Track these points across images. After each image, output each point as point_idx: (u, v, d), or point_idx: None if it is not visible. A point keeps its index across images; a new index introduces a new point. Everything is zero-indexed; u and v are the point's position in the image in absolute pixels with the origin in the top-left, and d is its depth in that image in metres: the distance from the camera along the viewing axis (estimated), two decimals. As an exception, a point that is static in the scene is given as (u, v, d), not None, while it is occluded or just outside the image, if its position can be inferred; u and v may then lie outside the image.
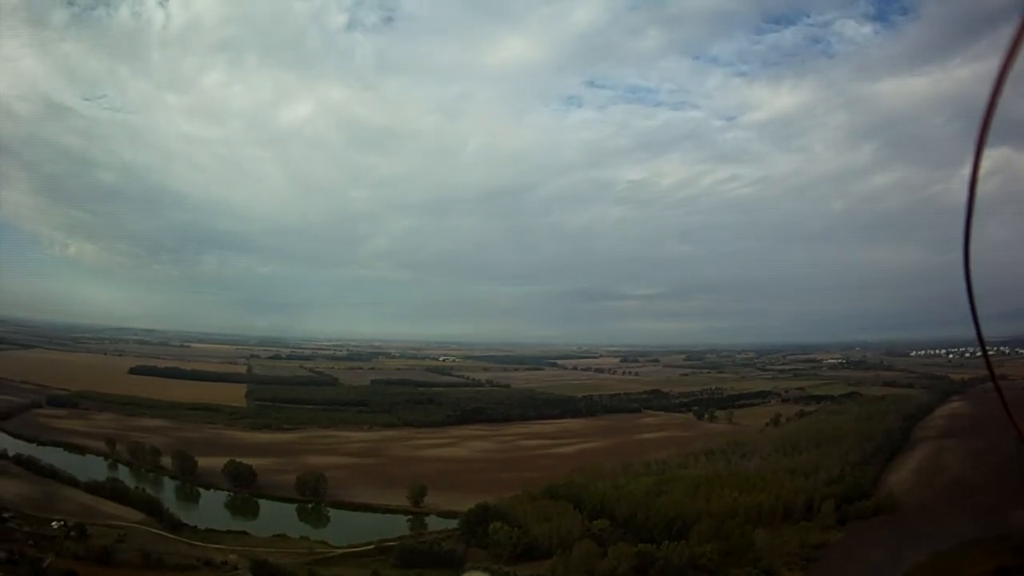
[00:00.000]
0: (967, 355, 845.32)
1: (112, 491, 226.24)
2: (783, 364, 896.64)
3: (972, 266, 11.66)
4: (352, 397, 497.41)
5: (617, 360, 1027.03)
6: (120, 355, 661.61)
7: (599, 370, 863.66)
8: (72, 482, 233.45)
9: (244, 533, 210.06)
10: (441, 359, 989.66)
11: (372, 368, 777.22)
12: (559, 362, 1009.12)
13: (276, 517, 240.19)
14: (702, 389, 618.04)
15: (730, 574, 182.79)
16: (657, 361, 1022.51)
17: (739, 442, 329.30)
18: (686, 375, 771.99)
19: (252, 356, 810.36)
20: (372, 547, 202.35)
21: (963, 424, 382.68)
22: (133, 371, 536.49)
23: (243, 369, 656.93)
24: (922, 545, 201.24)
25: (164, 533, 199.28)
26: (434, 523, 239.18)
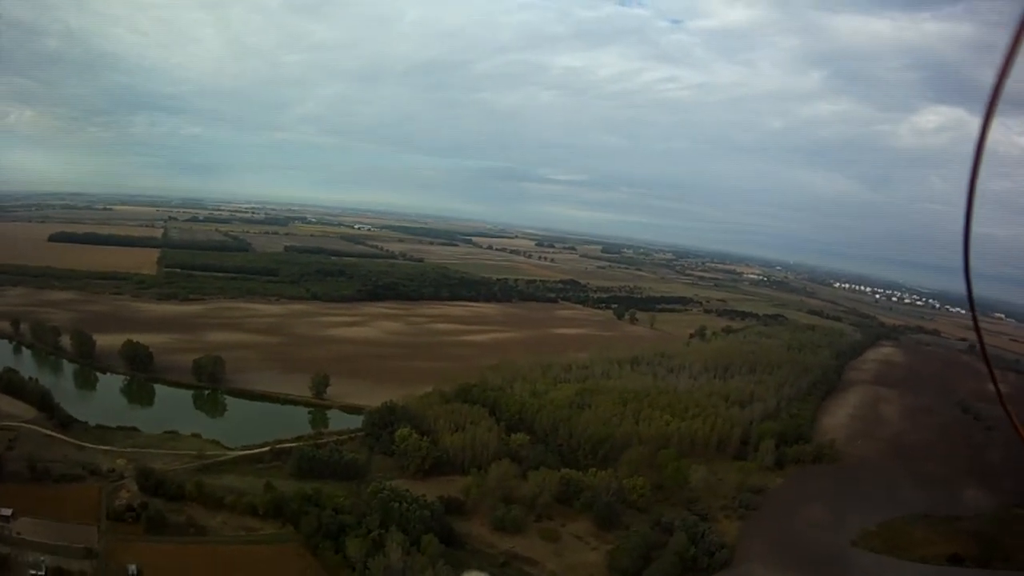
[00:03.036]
0: (894, 299, 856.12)
1: (8, 384, 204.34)
2: (702, 271, 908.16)
3: (972, 270, 10.74)
4: (263, 265, 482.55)
5: (532, 243, 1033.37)
6: (43, 222, 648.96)
7: (514, 251, 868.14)
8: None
9: (134, 429, 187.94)
10: (356, 227, 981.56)
11: (288, 233, 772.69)
12: (474, 239, 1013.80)
13: (171, 405, 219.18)
14: (620, 286, 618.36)
15: (664, 514, 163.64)
16: (573, 249, 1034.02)
17: (666, 353, 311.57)
18: (603, 268, 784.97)
19: (171, 218, 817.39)
20: (267, 449, 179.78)
21: (898, 374, 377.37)
22: (52, 239, 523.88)
23: (159, 232, 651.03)
24: (867, 509, 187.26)
25: (54, 434, 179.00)
26: (336, 418, 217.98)
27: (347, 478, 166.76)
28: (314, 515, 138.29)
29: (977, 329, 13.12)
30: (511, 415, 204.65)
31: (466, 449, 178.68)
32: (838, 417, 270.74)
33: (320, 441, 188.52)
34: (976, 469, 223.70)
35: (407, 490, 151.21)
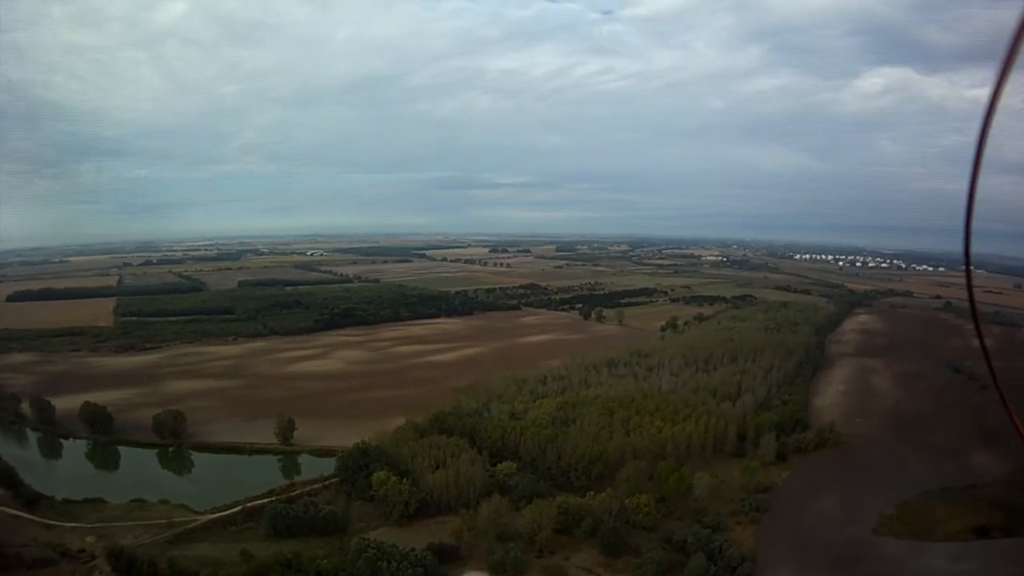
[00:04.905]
0: (859, 264, 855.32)
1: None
2: (660, 259, 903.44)
3: (972, 268, 10.88)
4: (218, 304, 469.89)
5: (486, 250, 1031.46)
6: (2, 281, 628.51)
7: (469, 261, 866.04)
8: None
9: (101, 501, 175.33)
10: (309, 253, 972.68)
11: (241, 268, 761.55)
12: (427, 253, 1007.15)
13: (136, 467, 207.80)
14: (581, 284, 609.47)
15: (673, 531, 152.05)
16: (528, 251, 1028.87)
17: (641, 351, 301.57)
18: (560, 268, 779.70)
19: (125, 264, 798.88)
20: (239, 509, 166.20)
21: (880, 341, 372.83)
22: (11, 298, 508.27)
23: (115, 280, 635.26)
24: (881, 492, 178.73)
25: (21, 513, 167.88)
26: (308, 463, 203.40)
27: (327, 533, 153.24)
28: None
29: (979, 332, 12.39)
30: (493, 442, 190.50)
31: (450, 487, 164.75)
32: (830, 396, 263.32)
33: (293, 493, 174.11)
34: (980, 433, 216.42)
35: (394, 544, 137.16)
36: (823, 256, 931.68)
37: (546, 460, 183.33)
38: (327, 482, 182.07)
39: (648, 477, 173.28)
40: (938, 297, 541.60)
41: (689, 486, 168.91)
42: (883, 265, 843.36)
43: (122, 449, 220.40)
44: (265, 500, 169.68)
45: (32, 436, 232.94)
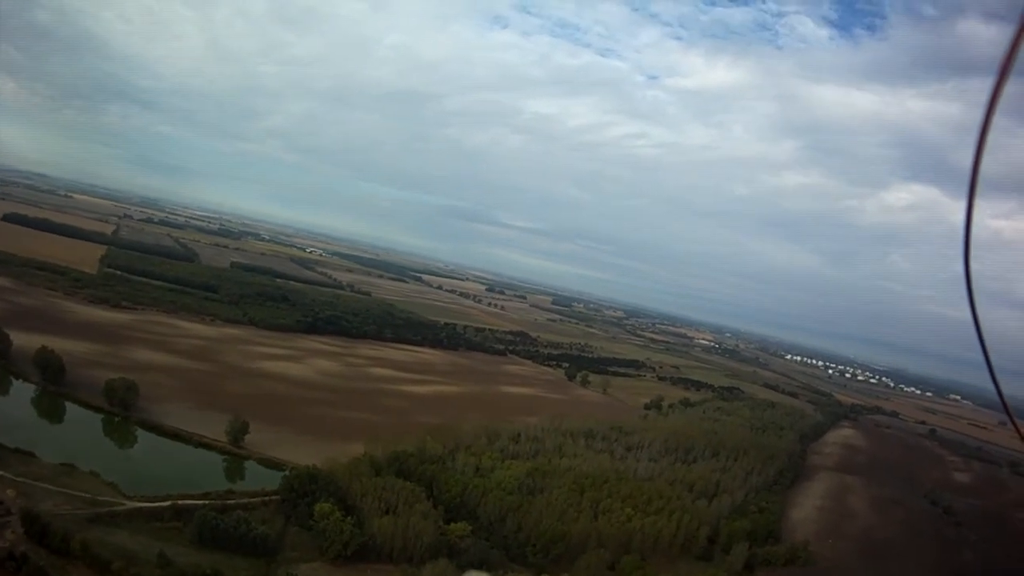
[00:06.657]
0: (848, 375, 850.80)
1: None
2: (653, 332, 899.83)
3: (973, 283, 11.33)
4: (205, 280, 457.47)
5: (483, 288, 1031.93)
6: (3, 199, 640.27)
7: (464, 294, 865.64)
8: None
9: (31, 455, 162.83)
10: (308, 251, 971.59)
11: (238, 248, 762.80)
12: (424, 277, 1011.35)
13: (77, 427, 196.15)
14: (571, 343, 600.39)
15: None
16: (524, 298, 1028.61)
17: (623, 428, 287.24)
18: (553, 321, 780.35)
19: (126, 216, 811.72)
20: (168, 505, 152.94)
21: (861, 459, 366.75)
22: (6, 218, 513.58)
23: (111, 229, 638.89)
24: None
25: None
26: (252, 472, 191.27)
27: (255, 554, 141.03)
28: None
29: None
30: (452, 497, 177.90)
31: (396, 536, 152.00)
32: (806, 510, 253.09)
33: (229, 501, 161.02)
34: (949, 570, 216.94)
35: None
36: (814, 360, 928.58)
37: (504, 528, 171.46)
38: (267, 498, 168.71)
39: (609, 567, 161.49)
40: (923, 423, 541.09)
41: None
42: (872, 380, 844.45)
43: (68, 406, 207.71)
44: (198, 502, 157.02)
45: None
